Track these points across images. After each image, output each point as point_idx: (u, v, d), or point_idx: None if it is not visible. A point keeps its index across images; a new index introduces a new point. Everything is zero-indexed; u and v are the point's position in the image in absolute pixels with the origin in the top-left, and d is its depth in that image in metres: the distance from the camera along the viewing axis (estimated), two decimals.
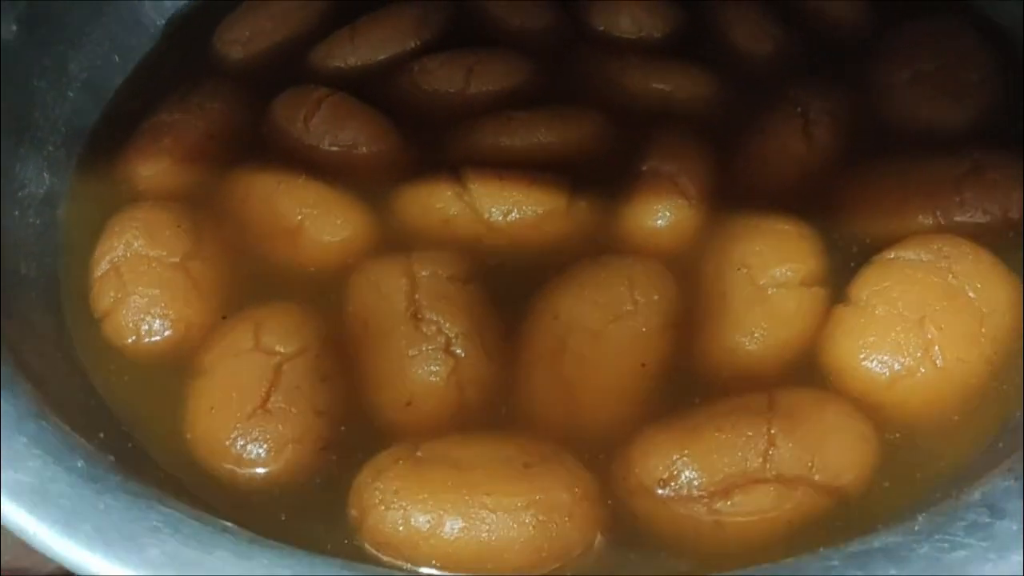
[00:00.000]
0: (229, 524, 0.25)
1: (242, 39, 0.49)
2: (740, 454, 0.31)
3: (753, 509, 0.30)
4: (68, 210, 0.42)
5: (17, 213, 0.39)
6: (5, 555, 0.62)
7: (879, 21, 0.45)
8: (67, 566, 0.23)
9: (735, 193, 0.40)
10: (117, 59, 0.48)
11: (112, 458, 0.27)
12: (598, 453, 0.32)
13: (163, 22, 0.50)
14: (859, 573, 0.22)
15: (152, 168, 0.43)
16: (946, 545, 0.23)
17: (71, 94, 0.45)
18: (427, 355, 0.35)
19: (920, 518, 0.24)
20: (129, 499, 0.25)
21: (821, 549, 0.24)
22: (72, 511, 0.24)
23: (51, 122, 0.43)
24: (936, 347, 0.33)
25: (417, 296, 0.37)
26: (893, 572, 0.22)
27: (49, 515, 0.24)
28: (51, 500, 0.24)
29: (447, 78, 0.45)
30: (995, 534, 0.23)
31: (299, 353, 0.35)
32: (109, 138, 0.45)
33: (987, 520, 0.23)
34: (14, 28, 0.42)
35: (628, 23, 0.47)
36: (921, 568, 0.22)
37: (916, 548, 0.23)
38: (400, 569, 0.30)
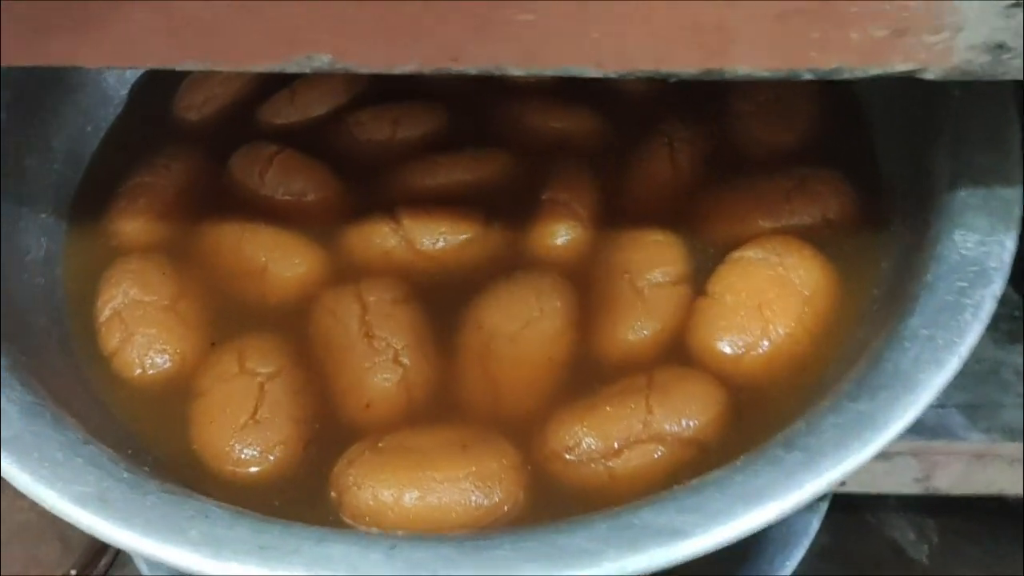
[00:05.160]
0: (242, 509, 0.34)
1: (196, 104, 0.57)
2: (626, 423, 0.40)
3: (637, 463, 0.39)
4: (66, 268, 0.49)
5: (26, 276, 0.47)
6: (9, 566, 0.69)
7: None
8: (130, 551, 0.31)
9: (618, 212, 0.48)
10: (90, 130, 0.55)
11: (147, 468, 0.35)
12: (519, 431, 0.41)
13: (125, 92, 0.58)
14: (695, 496, 0.32)
15: (132, 226, 0.50)
16: (753, 475, 0.32)
17: (56, 166, 0.52)
18: (380, 366, 0.43)
19: (741, 458, 0.34)
20: (167, 496, 0.33)
21: (669, 488, 0.34)
22: (127, 510, 0.32)
23: (42, 193, 0.50)
24: (771, 326, 0.42)
25: (368, 318, 0.45)
26: (717, 496, 0.32)
27: (111, 515, 0.32)
28: (110, 503, 0.32)
29: (377, 129, 0.53)
30: (786, 464, 0.32)
31: (277, 374, 0.43)
32: (92, 202, 0.51)
33: (782, 454, 0.33)
34: (4, 116, 0.49)
35: None
36: (735, 492, 0.32)
37: (734, 478, 0.32)
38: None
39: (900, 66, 0.31)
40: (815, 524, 0.58)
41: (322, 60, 0.33)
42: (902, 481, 0.49)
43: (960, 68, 0.31)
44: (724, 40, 0.32)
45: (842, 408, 0.34)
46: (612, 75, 0.34)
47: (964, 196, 0.40)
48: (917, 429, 0.50)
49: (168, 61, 0.34)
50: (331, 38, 0.33)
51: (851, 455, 0.33)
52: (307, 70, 0.34)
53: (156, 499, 0.33)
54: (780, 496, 0.31)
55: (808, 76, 0.32)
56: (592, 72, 0.34)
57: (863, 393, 0.35)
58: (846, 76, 0.32)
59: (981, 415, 0.48)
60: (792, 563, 0.57)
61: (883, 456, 0.50)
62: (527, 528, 0.33)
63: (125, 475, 0.34)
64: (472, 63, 0.33)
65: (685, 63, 0.33)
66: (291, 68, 0.34)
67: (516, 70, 0.34)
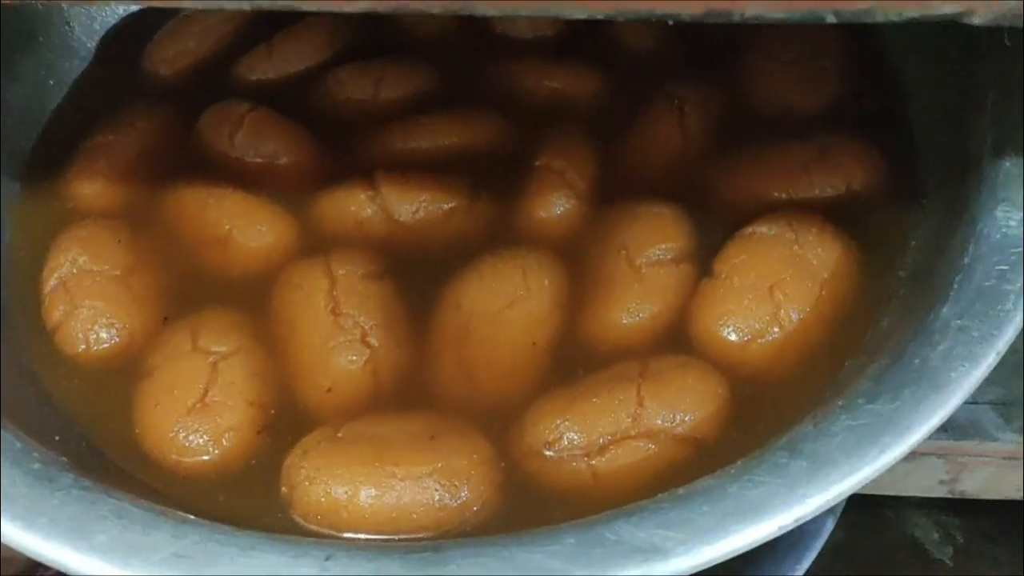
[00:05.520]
0: (167, 508, 0.30)
1: (168, 58, 0.52)
2: (613, 416, 0.36)
3: (624, 462, 0.35)
4: (15, 233, 0.45)
5: None
6: None
7: None
8: (29, 555, 0.28)
9: (618, 182, 0.44)
10: (51, 83, 0.51)
11: (65, 459, 0.31)
12: (494, 423, 0.37)
13: (93, 45, 0.54)
14: (681, 508, 0.28)
15: (90, 188, 0.46)
16: (750, 484, 0.28)
17: (10, 122, 0.48)
18: (345, 346, 0.39)
19: (738, 463, 0.30)
20: (80, 493, 0.29)
21: (659, 493, 0.29)
22: (30, 507, 0.28)
23: None
24: (783, 311, 0.38)
25: (335, 293, 0.40)
26: (706, 508, 0.27)
27: (10, 512, 0.28)
28: (12, 499, 0.29)
29: (358, 87, 0.49)
30: (789, 472, 0.28)
31: (233, 352, 0.39)
32: (49, 161, 0.48)
33: (785, 460, 0.28)
34: None
35: (524, 25, 0.51)
36: (728, 505, 0.27)
37: (728, 488, 0.28)
38: (326, 536, 0.35)
39: (942, 8, 0.26)
40: (830, 524, 0.53)
41: None
42: (926, 483, 0.44)
43: (1012, 12, 0.26)
44: None
45: (858, 408, 0.30)
46: (600, 16, 0.29)
47: (1008, 167, 0.35)
48: (944, 427, 0.45)
49: None
50: None
51: (864, 464, 0.28)
52: (246, 6, 0.29)
53: (66, 496, 0.29)
54: (779, 511, 0.27)
55: (832, 19, 0.27)
56: (577, 12, 0.29)
57: (883, 391, 0.30)
58: (878, 19, 0.27)
59: (1015, 413, 0.43)
60: (804, 565, 0.52)
61: (906, 456, 0.45)
62: (485, 540, 0.28)
63: (36, 467, 0.30)
64: (436, 0, 0.29)
65: (686, 2, 0.28)
66: (228, 4, 0.30)
67: (488, 9, 0.29)
